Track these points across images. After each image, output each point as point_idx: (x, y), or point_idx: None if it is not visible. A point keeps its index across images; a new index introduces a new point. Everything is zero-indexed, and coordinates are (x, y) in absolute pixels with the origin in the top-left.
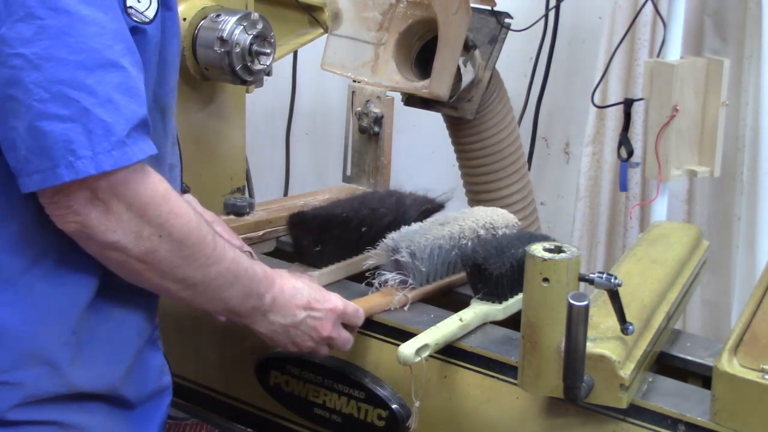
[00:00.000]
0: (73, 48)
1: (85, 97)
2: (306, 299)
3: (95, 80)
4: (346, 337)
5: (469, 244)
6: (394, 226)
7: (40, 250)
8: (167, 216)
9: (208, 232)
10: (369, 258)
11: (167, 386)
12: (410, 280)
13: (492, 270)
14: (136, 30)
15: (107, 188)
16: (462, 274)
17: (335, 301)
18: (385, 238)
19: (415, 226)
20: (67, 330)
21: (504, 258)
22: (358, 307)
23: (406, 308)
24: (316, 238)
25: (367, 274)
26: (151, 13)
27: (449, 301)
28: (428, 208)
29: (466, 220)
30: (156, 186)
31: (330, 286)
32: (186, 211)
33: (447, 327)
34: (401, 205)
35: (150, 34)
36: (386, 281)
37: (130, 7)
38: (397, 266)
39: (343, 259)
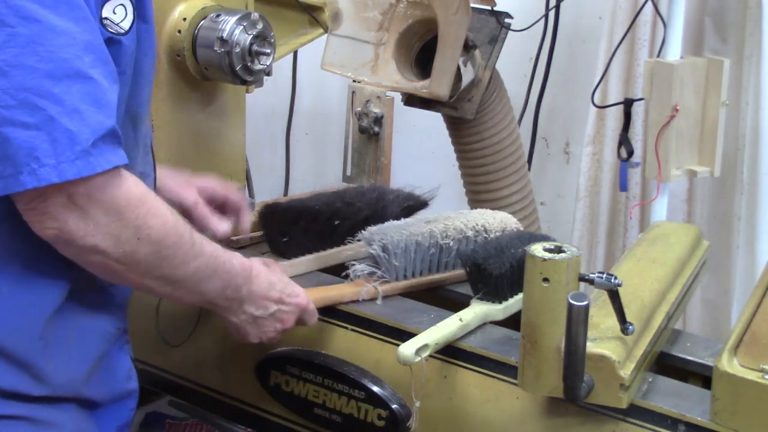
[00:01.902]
0: (41, 57)
1: (51, 105)
2: (278, 293)
3: (62, 89)
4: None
5: (452, 244)
6: (373, 220)
7: (7, 256)
8: (144, 218)
9: (186, 229)
10: (346, 250)
11: (133, 390)
12: (380, 272)
13: (492, 270)
14: (112, 41)
15: (84, 193)
16: (449, 273)
17: (302, 297)
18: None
19: (399, 222)
20: (36, 333)
21: (504, 258)
22: (315, 309)
23: (378, 301)
24: (283, 228)
25: (346, 265)
26: (126, 25)
27: (449, 301)
28: (410, 204)
29: (456, 220)
30: (132, 189)
31: (302, 277)
32: (162, 212)
33: (447, 327)
34: (381, 201)
35: (126, 45)
36: (357, 272)
37: (106, 18)
38: (373, 259)
39: (316, 251)
